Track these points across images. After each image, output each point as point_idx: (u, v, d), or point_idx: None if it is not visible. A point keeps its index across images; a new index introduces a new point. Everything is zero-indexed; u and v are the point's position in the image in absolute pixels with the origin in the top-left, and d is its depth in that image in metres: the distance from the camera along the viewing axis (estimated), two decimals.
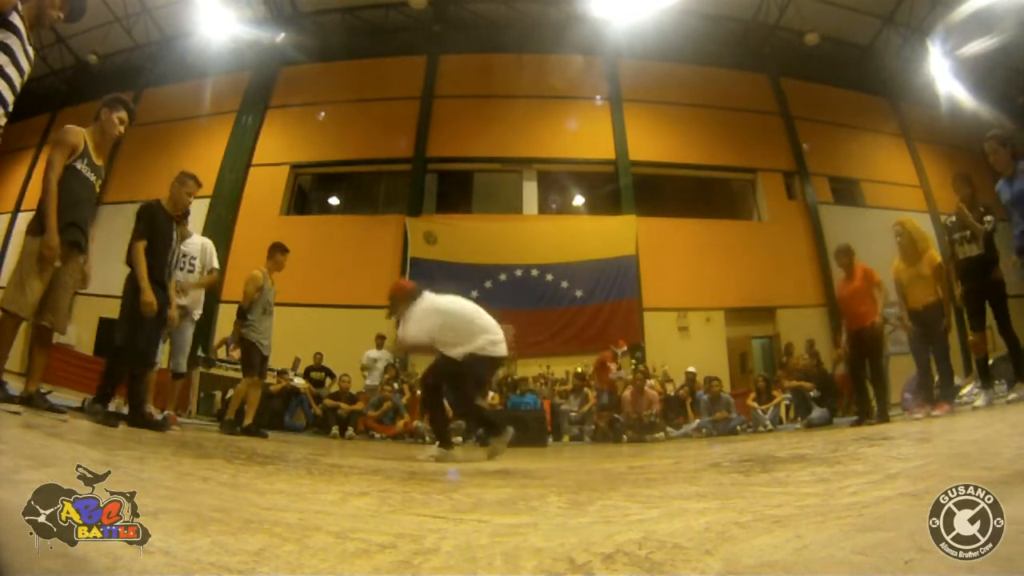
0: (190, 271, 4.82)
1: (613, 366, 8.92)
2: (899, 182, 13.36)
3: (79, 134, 3.24)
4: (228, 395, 6.74)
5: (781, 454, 2.93)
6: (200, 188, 4.21)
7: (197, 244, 4.97)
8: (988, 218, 4.37)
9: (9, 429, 2.16)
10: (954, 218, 4.64)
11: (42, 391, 3.21)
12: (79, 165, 3.21)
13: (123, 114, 3.43)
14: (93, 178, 3.31)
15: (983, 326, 4.44)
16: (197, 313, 4.93)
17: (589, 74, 13.04)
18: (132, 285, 3.71)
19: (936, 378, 4.91)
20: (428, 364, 3.90)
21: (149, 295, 3.65)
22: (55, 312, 3.17)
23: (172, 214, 4.01)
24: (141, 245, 3.74)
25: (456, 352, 3.52)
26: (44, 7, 2.66)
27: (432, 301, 3.72)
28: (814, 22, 13.14)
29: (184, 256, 4.76)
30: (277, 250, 5.26)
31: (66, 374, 8.31)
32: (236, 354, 6.04)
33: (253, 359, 4.97)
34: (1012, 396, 4.22)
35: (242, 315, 5.01)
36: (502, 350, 3.65)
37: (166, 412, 4.48)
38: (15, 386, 3.16)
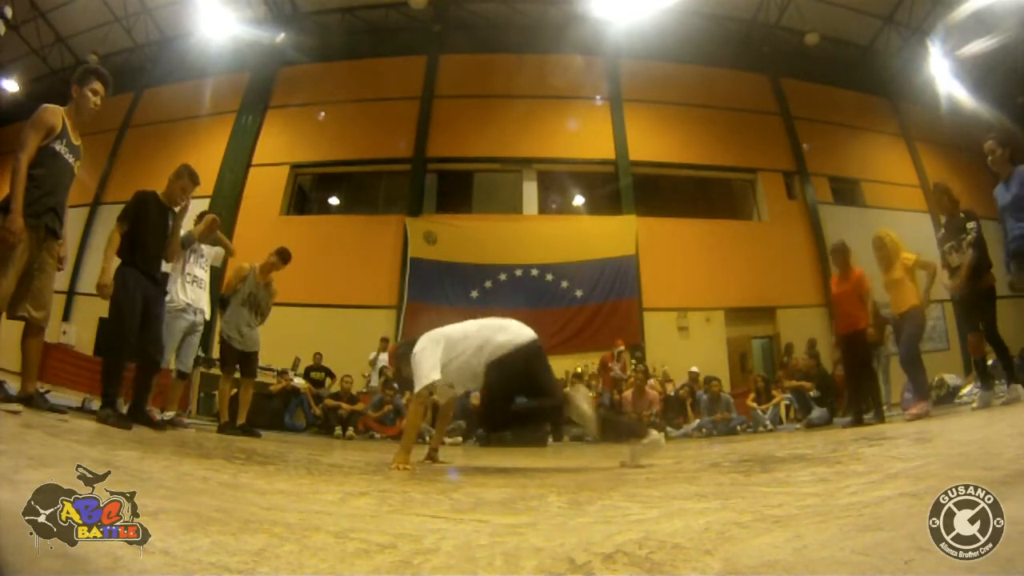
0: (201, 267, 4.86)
1: (616, 366, 8.94)
2: (899, 182, 13.37)
3: (56, 114, 3.07)
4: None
5: (781, 454, 2.93)
6: (196, 185, 4.06)
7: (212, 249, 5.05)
8: (970, 225, 4.39)
9: (9, 429, 2.16)
10: (943, 230, 4.67)
11: (40, 391, 3.18)
12: (58, 146, 3.05)
13: (96, 85, 3.22)
14: (72, 159, 3.17)
15: (977, 327, 4.45)
16: (206, 313, 4.93)
17: (589, 74, 13.03)
18: (120, 280, 3.61)
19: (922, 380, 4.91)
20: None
21: (104, 277, 3.57)
22: (36, 300, 3.02)
23: (167, 206, 3.94)
24: (116, 233, 3.69)
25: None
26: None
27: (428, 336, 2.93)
28: (814, 22, 13.15)
29: (203, 256, 4.87)
30: (278, 255, 5.06)
31: (66, 374, 8.33)
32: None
33: (225, 356, 4.86)
34: (1006, 398, 4.23)
35: (222, 305, 4.94)
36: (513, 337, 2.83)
37: (165, 413, 4.47)
38: (13, 385, 3.15)
